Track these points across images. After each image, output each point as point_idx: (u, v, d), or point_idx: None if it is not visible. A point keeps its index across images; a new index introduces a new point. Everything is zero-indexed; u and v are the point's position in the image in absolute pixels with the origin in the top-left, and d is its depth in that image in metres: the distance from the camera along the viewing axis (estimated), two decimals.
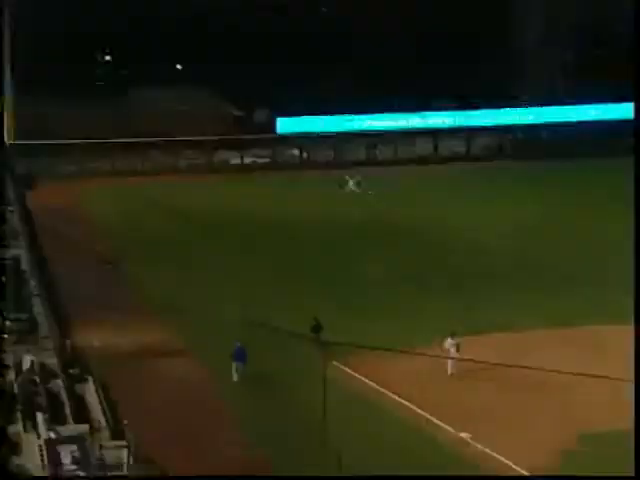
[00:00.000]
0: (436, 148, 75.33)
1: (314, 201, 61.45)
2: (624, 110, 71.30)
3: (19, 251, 46.43)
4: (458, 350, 34.86)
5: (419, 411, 31.96)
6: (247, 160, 72.75)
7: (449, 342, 35.10)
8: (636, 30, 59.96)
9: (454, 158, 73.64)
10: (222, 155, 72.88)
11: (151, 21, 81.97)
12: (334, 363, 32.93)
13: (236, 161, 72.57)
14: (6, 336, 35.05)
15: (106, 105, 74.14)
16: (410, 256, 49.44)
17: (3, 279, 40.31)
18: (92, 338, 37.51)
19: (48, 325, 36.95)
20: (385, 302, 42.06)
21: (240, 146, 72.44)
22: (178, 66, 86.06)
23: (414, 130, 75.30)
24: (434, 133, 75.47)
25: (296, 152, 74.65)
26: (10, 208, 54.29)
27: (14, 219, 52.47)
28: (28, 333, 35.72)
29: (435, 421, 31.32)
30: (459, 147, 75.37)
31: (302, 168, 70.60)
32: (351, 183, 64.81)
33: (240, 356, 34.35)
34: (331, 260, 48.58)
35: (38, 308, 38.58)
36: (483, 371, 33.81)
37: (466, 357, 34.19)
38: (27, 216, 55.46)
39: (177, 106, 76.60)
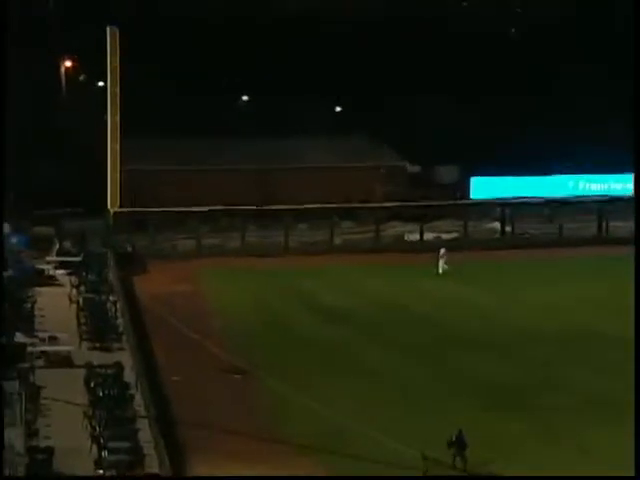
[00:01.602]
0: None
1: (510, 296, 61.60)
2: None
3: (122, 356, 47.23)
4: None
5: None
6: (428, 236, 73.34)
7: None
8: None
9: None
10: (393, 228, 73.64)
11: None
12: None
13: (413, 237, 73.41)
14: (103, 472, 35.74)
15: (237, 161, 75.96)
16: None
17: (100, 394, 41.49)
18: (216, 477, 37.53)
19: (158, 457, 37.27)
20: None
21: (419, 216, 73.22)
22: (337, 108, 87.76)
23: None
24: None
25: (496, 225, 74.91)
26: (112, 298, 55.57)
27: (116, 313, 53.40)
28: (131, 467, 36.15)
29: None
30: None
31: (504, 247, 70.97)
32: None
33: None
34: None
35: (145, 434, 39.03)
36: None
37: None
38: (133, 308, 56.58)
39: (330, 159, 77.44)
